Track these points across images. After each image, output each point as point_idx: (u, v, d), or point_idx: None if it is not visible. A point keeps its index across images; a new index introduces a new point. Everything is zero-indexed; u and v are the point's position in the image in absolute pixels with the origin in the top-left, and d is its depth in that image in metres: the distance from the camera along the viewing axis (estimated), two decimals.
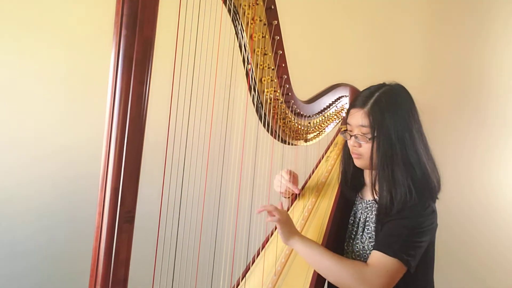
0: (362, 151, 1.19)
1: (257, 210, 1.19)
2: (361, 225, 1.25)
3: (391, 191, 1.14)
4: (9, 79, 2.04)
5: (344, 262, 1.11)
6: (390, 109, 1.15)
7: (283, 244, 1.20)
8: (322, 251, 1.13)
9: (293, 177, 1.43)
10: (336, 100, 1.47)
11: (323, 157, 1.57)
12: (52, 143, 2.09)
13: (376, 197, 1.19)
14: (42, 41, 2.07)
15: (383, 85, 1.21)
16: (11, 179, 2.05)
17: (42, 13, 2.06)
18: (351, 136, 1.20)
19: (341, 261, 1.11)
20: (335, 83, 1.47)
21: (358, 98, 1.21)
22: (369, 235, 1.21)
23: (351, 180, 1.31)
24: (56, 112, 2.10)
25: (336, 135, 1.62)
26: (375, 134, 1.14)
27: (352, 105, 1.22)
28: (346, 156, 1.29)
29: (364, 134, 1.16)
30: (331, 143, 1.60)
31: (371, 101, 1.16)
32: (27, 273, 2.06)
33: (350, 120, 1.21)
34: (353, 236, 1.26)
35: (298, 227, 1.30)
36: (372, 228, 1.21)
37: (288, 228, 1.17)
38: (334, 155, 1.54)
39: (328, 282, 1.24)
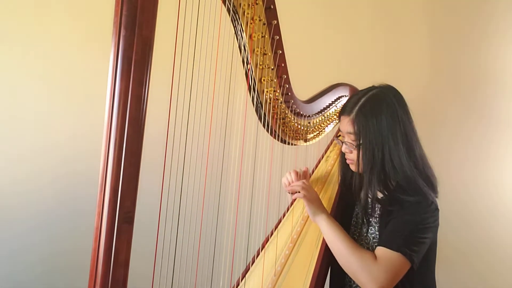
0: (353, 157, 1.20)
1: (287, 189, 1.27)
2: (364, 226, 1.25)
3: (366, 194, 1.18)
4: (10, 76, 2.05)
5: (358, 251, 1.12)
6: (373, 116, 1.15)
7: (283, 244, 1.19)
8: (342, 235, 1.15)
9: (303, 175, 1.44)
10: (335, 100, 1.47)
11: (322, 157, 1.57)
12: (51, 140, 2.09)
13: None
14: (43, 39, 2.07)
15: (370, 89, 1.21)
16: (9, 175, 2.06)
17: (42, 12, 2.06)
18: (342, 142, 1.22)
19: (355, 250, 1.12)
20: (335, 83, 1.47)
21: (347, 104, 1.21)
22: (373, 235, 1.21)
23: (349, 182, 1.32)
24: (56, 110, 2.11)
25: (336, 135, 1.61)
26: (360, 142, 1.16)
27: (342, 111, 1.22)
28: (344, 159, 1.30)
29: (352, 141, 1.18)
30: (331, 143, 1.60)
31: (356, 108, 1.17)
32: (25, 269, 2.06)
33: (340, 126, 1.23)
34: (356, 237, 1.27)
35: (298, 227, 1.30)
36: (376, 228, 1.21)
37: (316, 205, 1.21)
38: (334, 155, 1.54)
39: (329, 282, 1.24)
